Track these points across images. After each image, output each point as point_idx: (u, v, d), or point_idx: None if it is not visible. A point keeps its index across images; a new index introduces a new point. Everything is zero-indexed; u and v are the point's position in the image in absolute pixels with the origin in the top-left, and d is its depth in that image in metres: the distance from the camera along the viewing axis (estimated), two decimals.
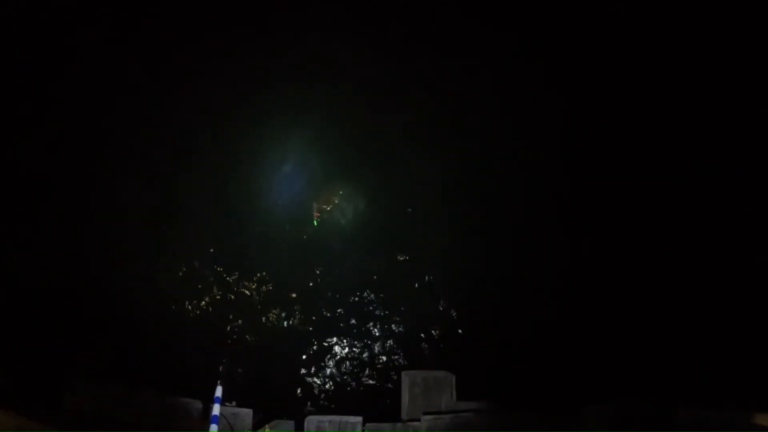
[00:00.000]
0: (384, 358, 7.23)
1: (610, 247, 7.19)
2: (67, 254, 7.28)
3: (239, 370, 6.81)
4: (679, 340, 6.35)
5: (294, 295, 7.54)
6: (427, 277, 7.67)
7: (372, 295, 7.60)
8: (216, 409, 2.84)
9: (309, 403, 6.71)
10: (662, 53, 7.68)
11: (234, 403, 5.03)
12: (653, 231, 7.14)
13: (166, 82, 8.08)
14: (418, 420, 5.04)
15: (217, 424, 2.79)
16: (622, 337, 6.47)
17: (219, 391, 2.95)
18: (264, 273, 7.62)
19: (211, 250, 7.72)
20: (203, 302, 7.39)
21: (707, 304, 6.42)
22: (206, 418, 4.60)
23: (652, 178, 7.33)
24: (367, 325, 7.43)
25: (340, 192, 8.17)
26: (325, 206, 8.08)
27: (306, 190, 8.16)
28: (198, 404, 4.70)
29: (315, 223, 7.96)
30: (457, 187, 8.05)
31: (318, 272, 7.74)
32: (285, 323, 7.40)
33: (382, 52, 8.40)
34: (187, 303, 7.33)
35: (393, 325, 7.41)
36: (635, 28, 7.80)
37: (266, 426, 4.47)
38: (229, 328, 7.22)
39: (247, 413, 4.67)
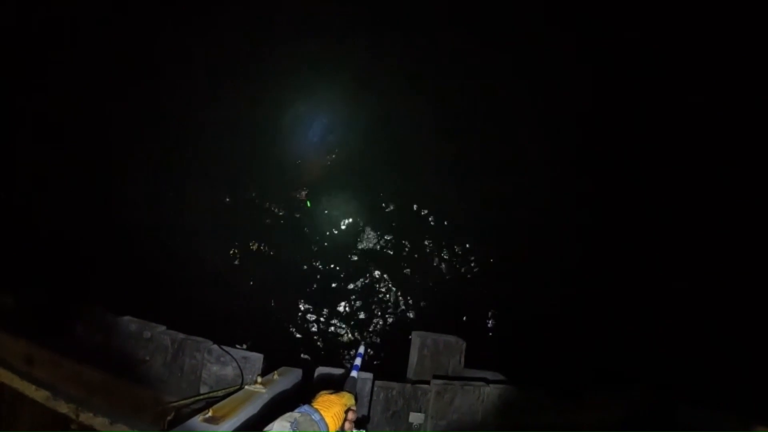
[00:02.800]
0: (393, 316, 7.14)
1: (643, 228, 7.04)
2: (88, 191, 7.22)
3: (251, 315, 6.74)
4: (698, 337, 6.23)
5: (312, 247, 7.45)
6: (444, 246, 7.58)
7: (390, 253, 7.50)
8: (358, 361, 2.84)
9: (316, 355, 6.67)
10: None
11: (245, 346, 4.94)
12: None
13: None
14: (427, 382, 4.92)
15: (357, 370, 2.78)
16: (640, 327, 6.36)
17: (362, 349, 2.95)
18: (279, 222, 7.52)
19: (227, 200, 7.62)
20: (218, 246, 7.31)
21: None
22: (218, 359, 4.52)
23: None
24: (381, 283, 7.33)
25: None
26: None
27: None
28: (209, 344, 4.60)
29: (308, 204, 7.80)
30: (481, 158, 7.89)
31: (333, 230, 7.64)
32: (299, 275, 7.32)
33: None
34: (201, 246, 7.24)
35: (406, 285, 7.32)
36: None
37: (275, 372, 4.36)
38: (244, 273, 7.14)
39: (257, 357, 4.56)
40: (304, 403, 2.30)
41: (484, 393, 4.81)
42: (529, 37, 7.87)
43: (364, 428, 3.43)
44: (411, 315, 7.24)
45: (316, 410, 2.23)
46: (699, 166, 7.29)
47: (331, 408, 2.29)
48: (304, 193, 7.81)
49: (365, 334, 7.04)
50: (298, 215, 7.76)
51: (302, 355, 6.82)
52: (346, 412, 2.38)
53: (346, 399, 2.44)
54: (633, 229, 7.24)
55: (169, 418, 3.72)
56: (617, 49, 7.61)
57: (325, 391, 2.46)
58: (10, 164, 7.80)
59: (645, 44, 7.58)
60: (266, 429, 2.04)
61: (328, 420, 2.23)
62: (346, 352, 6.99)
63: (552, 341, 6.62)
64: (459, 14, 8.09)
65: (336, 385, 2.71)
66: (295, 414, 2.16)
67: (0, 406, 3.93)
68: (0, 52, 7.75)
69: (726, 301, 6.69)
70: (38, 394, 3.61)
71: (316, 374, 4.68)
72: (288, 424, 2.05)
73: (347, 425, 2.36)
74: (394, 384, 4.79)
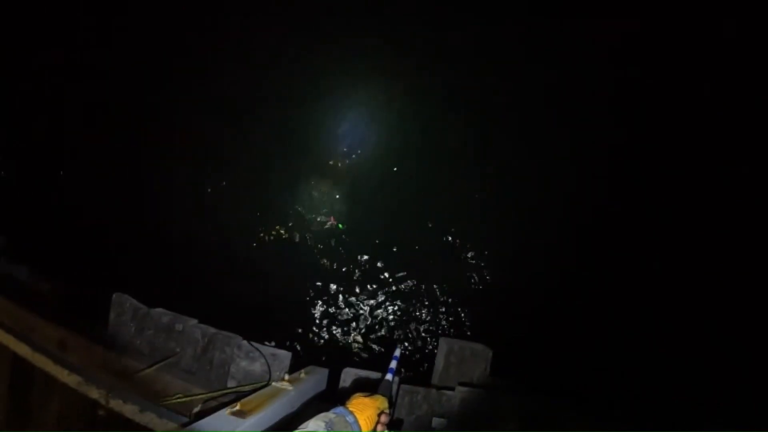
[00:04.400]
0: (421, 322, 7.08)
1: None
2: (127, 182, 7.31)
3: (282, 314, 6.74)
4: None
5: (344, 253, 7.44)
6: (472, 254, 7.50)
7: (421, 260, 7.44)
8: (393, 364, 2.82)
9: (343, 356, 6.63)
10: None
11: (274, 344, 4.92)
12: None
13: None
14: (451, 388, 4.83)
15: (393, 373, 2.75)
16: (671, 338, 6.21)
17: (398, 352, 2.94)
18: (314, 226, 7.53)
19: (265, 199, 7.66)
20: (250, 244, 7.33)
21: None
22: (247, 354, 4.51)
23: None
24: (410, 290, 7.27)
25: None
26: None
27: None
28: (239, 339, 4.59)
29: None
30: (508, 162, 7.81)
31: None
32: (331, 279, 7.31)
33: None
34: (237, 244, 7.27)
35: (436, 293, 7.25)
36: None
37: (302, 371, 4.32)
38: (277, 273, 7.15)
39: (286, 355, 4.53)
40: (339, 405, 2.27)
41: (510, 403, 4.70)
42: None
43: (396, 430, 3.38)
44: (439, 321, 7.16)
45: (351, 412, 2.20)
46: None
47: (365, 411, 2.26)
48: (332, 218, 7.81)
49: (394, 336, 6.99)
50: (333, 224, 7.76)
51: (330, 356, 6.79)
52: (379, 415, 2.34)
53: (379, 402, 2.40)
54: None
55: (196, 409, 3.71)
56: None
57: (360, 394, 2.43)
58: (53, 157, 7.96)
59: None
60: (301, 427, 2.00)
61: (362, 423, 2.19)
62: (373, 354, 6.94)
63: (581, 355, 6.49)
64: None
65: (371, 387, 2.68)
66: (330, 414, 2.13)
67: (32, 389, 3.96)
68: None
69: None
70: (70, 379, 3.62)
71: (342, 375, 4.64)
72: (323, 424, 2.02)
73: (379, 428, 2.32)
74: (420, 388, 4.72)
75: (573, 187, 7.46)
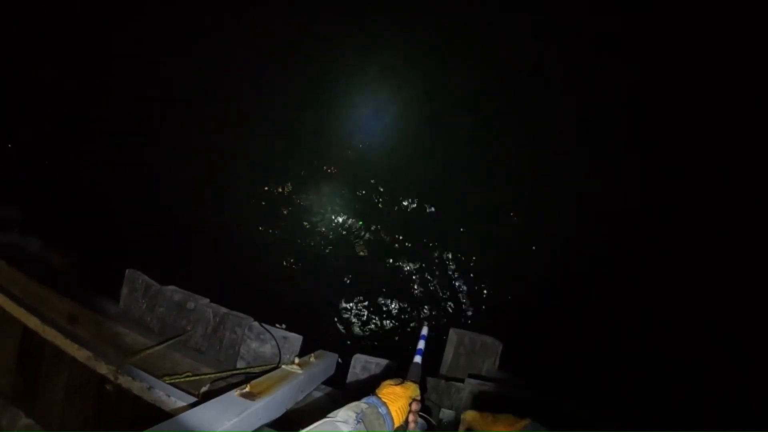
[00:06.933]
0: (431, 311, 6.99)
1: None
2: (144, 159, 7.25)
3: (294, 297, 6.66)
4: None
5: (357, 239, 7.35)
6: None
7: (433, 250, 7.35)
8: (422, 344, 2.65)
9: (354, 341, 6.56)
10: None
11: (284, 326, 4.83)
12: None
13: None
14: (461, 380, 4.73)
15: (421, 355, 2.59)
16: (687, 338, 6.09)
17: (425, 331, 2.79)
18: (330, 210, 7.45)
19: (280, 184, 7.58)
20: (267, 228, 7.26)
21: None
22: (258, 336, 4.43)
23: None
24: (422, 278, 7.18)
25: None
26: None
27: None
28: (250, 320, 4.51)
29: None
30: (526, 158, 7.70)
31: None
32: (344, 265, 7.23)
33: None
34: (250, 226, 7.21)
35: (447, 283, 7.15)
36: None
37: (312, 354, 4.23)
38: (291, 257, 7.07)
39: (296, 338, 4.45)
40: (371, 394, 2.14)
41: (518, 397, 4.59)
42: None
43: (429, 414, 3.23)
44: (450, 312, 7.06)
45: (384, 403, 2.06)
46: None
47: (397, 401, 2.11)
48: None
49: (405, 322, 6.90)
50: (348, 208, 7.68)
51: (340, 341, 6.72)
52: (410, 404, 2.20)
53: (411, 390, 2.24)
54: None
55: (204, 389, 3.63)
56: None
57: (390, 381, 2.26)
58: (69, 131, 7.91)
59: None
60: (329, 416, 1.88)
61: (393, 414, 2.06)
62: (383, 341, 6.87)
63: (592, 354, 6.38)
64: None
65: (401, 372, 2.53)
66: (362, 404, 1.99)
67: (41, 362, 3.89)
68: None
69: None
70: (80, 353, 3.53)
71: (353, 361, 4.55)
72: (354, 414, 1.89)
73: (411, 417, 2.18)
74: (429, 379, 4.63)
75: (594, 181, 7.34)
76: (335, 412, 1.90)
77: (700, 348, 6.21)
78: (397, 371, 2.63)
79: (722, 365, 5.97)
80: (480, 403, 4.52)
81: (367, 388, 2.19)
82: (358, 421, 1.86)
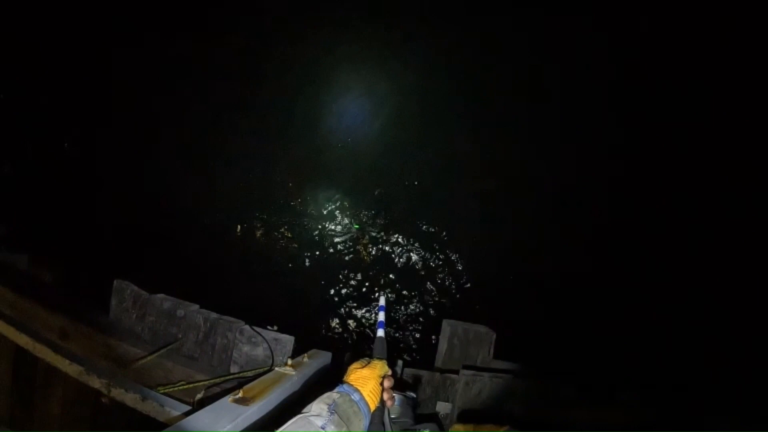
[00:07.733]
0: (424, 303, 7.00)
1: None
2: (127, 169, 7.21)
3: (284, 298, 6.66)
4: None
5: (346, 236, 7.35)
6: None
7: (424, 243, 7.36)
8: (381, 316, 2.54)
9: (346, 339, 6.56)
10: None
11: (276, 328, 4.83)
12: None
13: None
14: (455, 371, 4.74)
15: (383, 328, 2.49)
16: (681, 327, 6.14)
17: (383, 301, 2.66)
18: (317, 210, 7.44)
19: (265, 186, 7.56)
20: (253, 230, 7.25)
21: None
22: (249, 340, 4.42)
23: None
24: (413, 272, 7.20)
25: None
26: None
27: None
28: (241, 324, 4.50)
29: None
30: (519, 151, 7.71)
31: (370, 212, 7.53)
32: (334, 262, 7.23)
33: None
34: (236, 229, 7.19)
35: (438, 274, 7.17)
36: None
37: (305, 354, 4.23)
38: (279, 258, 7.06)
39: (288, 339, 4.44)
40: (341, 382, 2.10)
41: (513, 386, 4.61)
42: None
43: (413, 392, 3.15)
44: (442, 303, 7.08)
45: (356, 389, 2.03)
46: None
47: (367, 384, 2.06)
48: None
49: (397, 313, 6.91)
50: (336, 206, 7.66)
51: (333, 339, 6.73)
52: (382, 383, 2.16)
53: (378, 369, 2.17)
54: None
55: (198, 396, 3.61)
56: None
57: (356, 365, 2.20)
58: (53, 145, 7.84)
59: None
60: (303, 411, 1.86)
61: (367, 398, 2.03)
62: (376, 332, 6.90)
63: (585, 338, 6.42)
64: None
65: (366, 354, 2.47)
66: (333, 395, 1.96)
67: (35, 379, 3.88)
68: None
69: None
70: (71, 369, 3.52)
71: (346, 358, 4.55)
72: (326, 407, 1.85)
73: (386, 395, 2.14)
74: (423, 372, 4.64)
75: (590, 174, 7.38)
76: (308, 406, 1.87)
77: (693, 336, 6.27)
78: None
79: (718, 355, 6.04)
80: (474, 395, 4.53)
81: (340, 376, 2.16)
82: (332, 413, 1.82)
